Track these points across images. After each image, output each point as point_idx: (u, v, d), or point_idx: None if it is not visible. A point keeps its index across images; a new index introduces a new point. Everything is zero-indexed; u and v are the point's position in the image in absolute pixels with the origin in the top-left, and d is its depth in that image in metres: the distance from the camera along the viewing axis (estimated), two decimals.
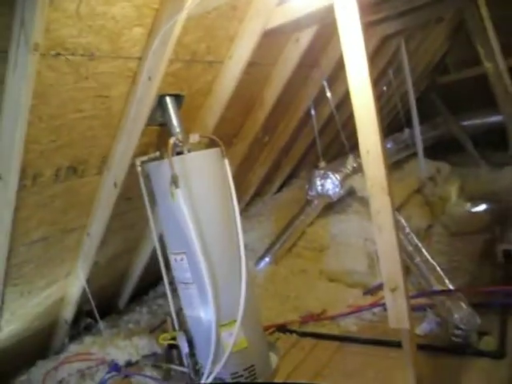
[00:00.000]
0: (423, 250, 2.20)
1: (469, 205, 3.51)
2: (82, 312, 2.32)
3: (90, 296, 2.10)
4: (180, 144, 1.68)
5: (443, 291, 1.96)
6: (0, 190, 1.38)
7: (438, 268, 2.11)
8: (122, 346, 2.14)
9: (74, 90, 1.38)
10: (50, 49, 1.22)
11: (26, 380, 2.10)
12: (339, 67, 2.50)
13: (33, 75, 1.17)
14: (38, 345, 2.25)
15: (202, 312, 1.69)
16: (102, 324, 2.31)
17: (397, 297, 1.39)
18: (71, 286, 2.12)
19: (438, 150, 4.13)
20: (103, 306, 2.36)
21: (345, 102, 3.01)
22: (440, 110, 4.72)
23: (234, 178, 1.77)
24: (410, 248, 2.20)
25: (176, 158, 1.62)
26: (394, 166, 3.51)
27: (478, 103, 4.40)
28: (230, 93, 1.97)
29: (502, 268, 2.35)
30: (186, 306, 1.77)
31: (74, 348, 2.25)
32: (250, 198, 3.26)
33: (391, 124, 4.32)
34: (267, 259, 2.76)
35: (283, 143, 2.97)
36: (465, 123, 4.63)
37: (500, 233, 2.66)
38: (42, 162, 1.49)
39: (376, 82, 1.53)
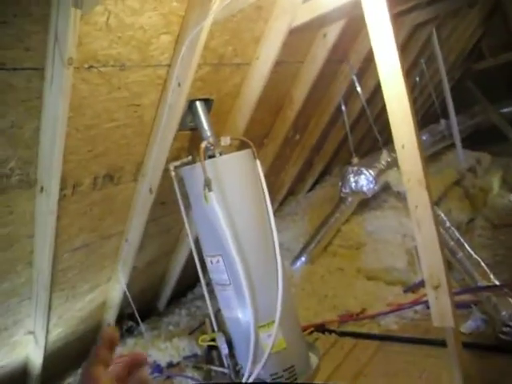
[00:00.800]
0: (465, 245, 2.12)
1: None
2: (123, 315, 2.39)
3: (130, 299, 2.15)
4: (211, 147, 1.70)
5: (488, 287, 1.88)
6: (43, 201, 1.43)
7: (482, 263, 2.02)
8: (163, 347, 2.19)
9: (107, 101, 1.42)
10: (83, 62, 1.25)
11: (73, 382, 2.17)
12: (368, 60, 2.46)
13: (68, 89, 1.20)
14: (83, 347, 2.30)
15: (240, 313, 1.70)
16: (143, 326, 2.35)
17: (440, 294, 1.35)
18: (112, 290, 2.18)
19: (477, 139, 3.96)
20: (143, 308, 2.42)
21: (375, 95, 2.95)
22: (477, 97, 4.53)
23: (267, 178, 1.77)
24: (452, 243, 2.13)
25: (208, 162, 1.63)
26: (430, 157, 3.40)
27: None
28: (258, 94, 1.96)
29: None
30: (224, 308, 1.78)
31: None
32: (283, 197, 3.24)
33: (426, 115, 4.19)
34: (303, 258, 2.74)
35: (314, 141, 2.94)
36: (504, 110, 4.42)
37: None
38: (80, 172, 1.54)
39: (408, 73, 1.48)
